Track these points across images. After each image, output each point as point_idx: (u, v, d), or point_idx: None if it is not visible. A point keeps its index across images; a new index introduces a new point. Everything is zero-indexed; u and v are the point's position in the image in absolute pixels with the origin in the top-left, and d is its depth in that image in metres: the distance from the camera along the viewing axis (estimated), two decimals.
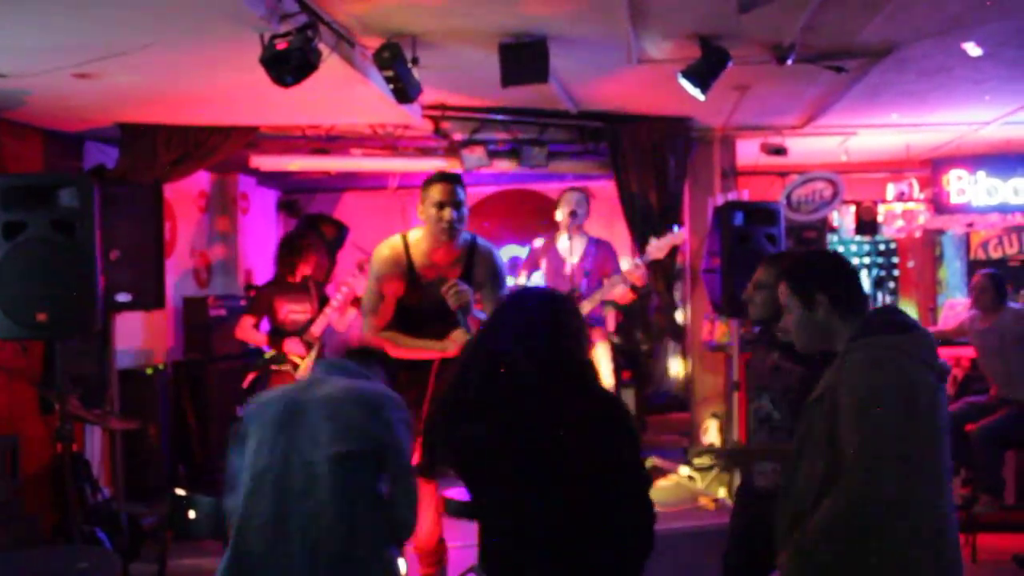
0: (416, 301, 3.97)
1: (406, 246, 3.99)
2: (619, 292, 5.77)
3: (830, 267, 2.62)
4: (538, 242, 6.13)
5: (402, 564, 4.10)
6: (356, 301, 6.44)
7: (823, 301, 2.51)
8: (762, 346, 3.55)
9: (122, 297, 4.86)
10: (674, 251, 6.01)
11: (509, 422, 2.34)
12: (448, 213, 3.86)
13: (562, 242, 5.93)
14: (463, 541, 4.33)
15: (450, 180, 3.96)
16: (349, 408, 2.82)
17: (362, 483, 2.78)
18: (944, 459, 2.39)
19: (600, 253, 5.90)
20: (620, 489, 2.34)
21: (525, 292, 2.71)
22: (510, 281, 4.56)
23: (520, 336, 2.43)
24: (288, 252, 6.35)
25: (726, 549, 3.56)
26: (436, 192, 3.89)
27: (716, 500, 5.08)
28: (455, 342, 3.89)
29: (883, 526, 2.30)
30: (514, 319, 2.51)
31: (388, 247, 4.03)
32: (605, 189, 6.82)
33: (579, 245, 5.89)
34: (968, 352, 6.49)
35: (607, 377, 5.83)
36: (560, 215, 5.91)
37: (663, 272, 6.27)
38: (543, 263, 6.04)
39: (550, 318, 2.47)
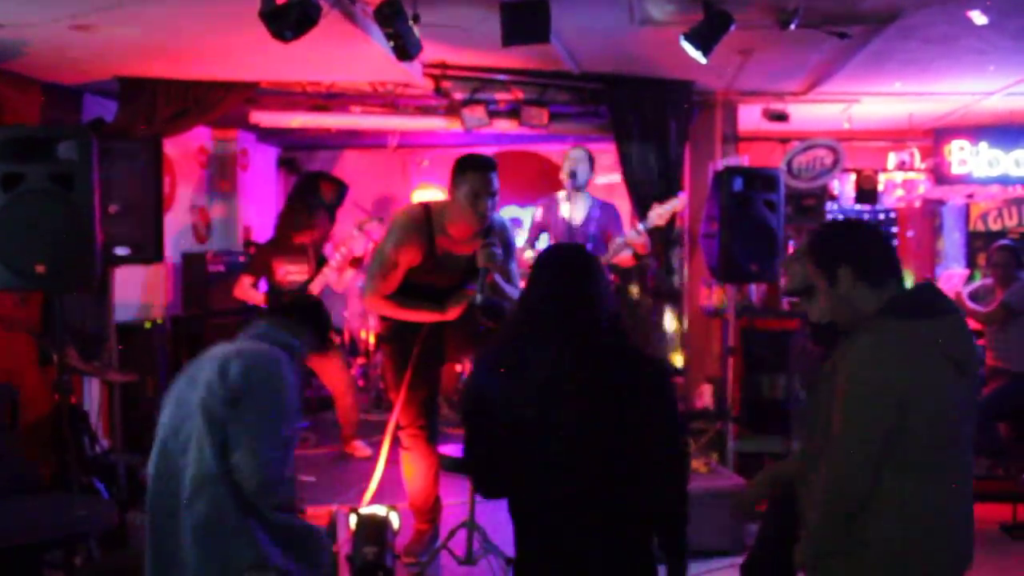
0: (427, 273, 3.94)
1: (428, 217, 3.90)
2: (623, 258, 5.72)
3: (852, 237, 2.51)
4: (538, 213, 5.96)
5: (395, 518, 4.17)
6: (355, 262, 6.46)
7: (845, 274, 2.41)
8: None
9: (121, 251, 4.86)
10: (673, 216, 5.98)
11: (548, 383, 2.38)
12: (484, 205, 3.78)
13: (563, 204, 5.79)
14: (456, 498, 4.39)
15: (488, 168, 3.81)
16: (209, 370, 2.88)
17: (220, 449, 2.81)
18: (948, 457, 2.34)
19: (604, 215, 5.76)
20: (653, 442, 2.41)
21: (549, 254, 2.71)
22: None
23: (551, 296, 2.52)
24: (289, 224, 6.33)
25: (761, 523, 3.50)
26: (475, 182, 3.76)
27: (708, 464, 5.14)
28: (454, 307, 3.91)
29: (863, 518, 2.31)
30: (542, 278, 2.59)
31: (410, 216, 3.93)
32: (606, 151, 6.79)
33: (582, 207, 5.75)
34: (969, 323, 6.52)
35: None
36: (563, 175, 5.78)
37: (661, 236, 6.27)
38: (549, 231, 5.93)
39: (581, 276, 2.54)
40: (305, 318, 3.28)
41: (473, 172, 3.79)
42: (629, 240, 5.57)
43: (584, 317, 2.47)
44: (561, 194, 5.82)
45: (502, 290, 3.93)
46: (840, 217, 9.33)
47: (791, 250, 8.26)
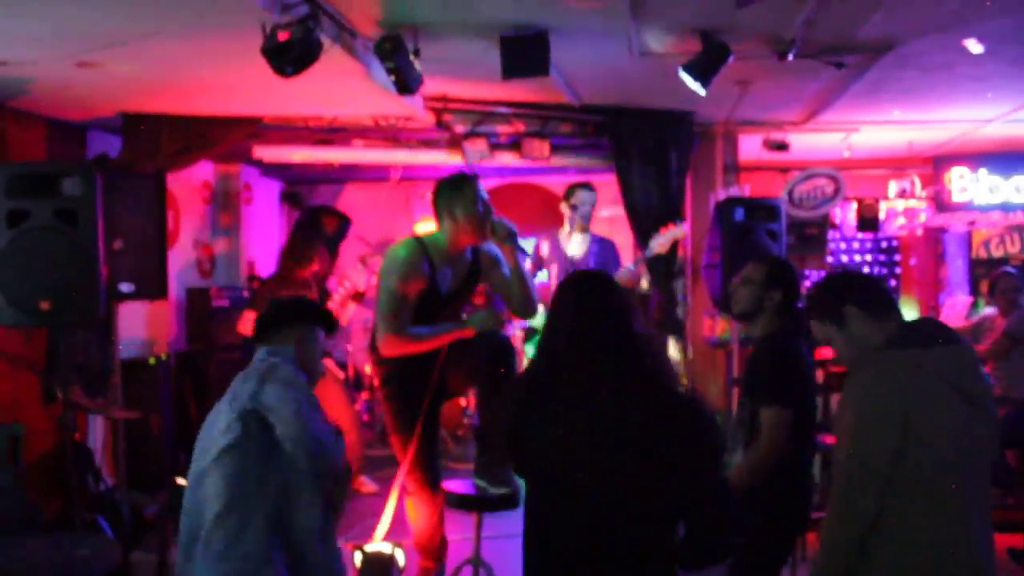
0: (431, 303, 3.94)
1: (423, 246, 3.91)
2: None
3: (849, 279, 2.68)
4: (541, 248, 6.01)
5: (400, 556, 4.14)
6: (357, 296, 6.46)
7: (852, 312, 2.49)
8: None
9: (125, 287, 4.87)
10: (675, 245, 6.00)
11: (574, 418, 2.33)
12: (489, 211, 3.88)
13: (564, 239, 5.88)
14: (461, 534, 4.35)
15: (476, 179, 3.95)
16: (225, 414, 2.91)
17: (240, 479, 2.82)
18: (958, 487, 2.32)
19: (603, 251, 5.85)
20: (689, 492, 2.34)
21: (575, 282, 2.62)
22: None
23: (579, 330, 2.43)
24: (291, 258, 6.36)
25: None
26: (469, 191, 3.86)
27: None
28: (474, 325, 3.89)
29: (868, 548, 2.30)
30: (570, 313, 2.49)
31: (406, 248, 3.90)
32: (606, 183, 6.82)
33: (583, 243, 5.84)
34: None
35: None
36: (566, 209, 5.85)
37: (664, 267, 6.28)
38: (552, 266, 5.98)
39: (617, 309, 2.46)
40: (299, 316, 3.18)
41: (470, 182, 3.91)
42: (619, 278, 5.58)
43: (625, 355, 2.38)
44: (563, 230, 5.87)
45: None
46: (842, 246, 9.36)
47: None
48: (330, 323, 3.27)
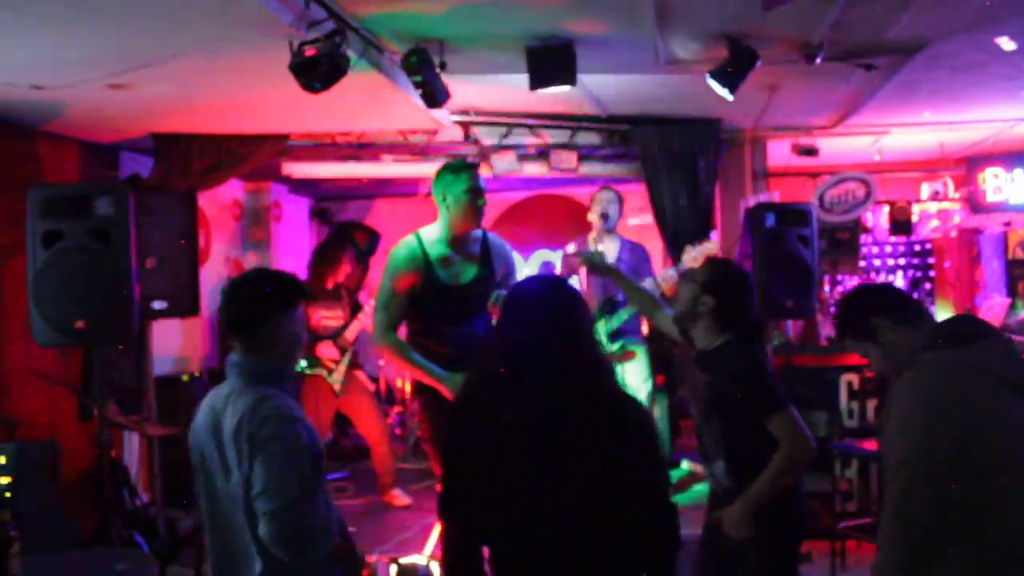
0: (430, 297, 3.96)
1: (420, 243, 3.99)
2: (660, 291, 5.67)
3: (867, 293, 2.70)
4: (570, 248, 6.00)
5: (435, 568, 4.13)
6: None
7: (881, 323, 2.51)
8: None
9: (158, 304, 4.92)
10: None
11: (517, 427, 2.23)
12: (481, 200, 3.93)
13: (593, 245, 5.76)
14: None
15: (476, 168, 4.02)
16: (233, 438, 2.54)
17: (246, 520, 2.55)
18: (1018, 475, 2.26)
19: (634, 256, 5.76)
20: (636, 492, 2.25)
21: (527, 287, 2.50)
22: None
23: (529, 337, 2.31)
24: (320, 262, 6.43)
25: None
26: (469, 179, 3.92)
27: None
28: (449, 385, 3.77)
29: (941, 551, 2.23)
30: (520, 319, 2.38)
31: (403, 246, 4.03)
32: (636, 192, 6.80)
33: (612, 248, 5.74)
34: None
35: (643, 383, 5.75)
36: (592, 216, 5.80)
37: None
38: (581, 271, 5.92)
39: (556, 315, 2.34)
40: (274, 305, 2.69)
41: (465, 171, 3.95)
42: (660, 280, 5.53)
43: (566, 361, 2.27)
44: (591, 236, 5.82)
45: None
46: (875, 250, 9.26)
47: (826, 285, 8.20)
48: (302, 291, 2.77)
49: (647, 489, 2.29)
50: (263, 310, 2.64)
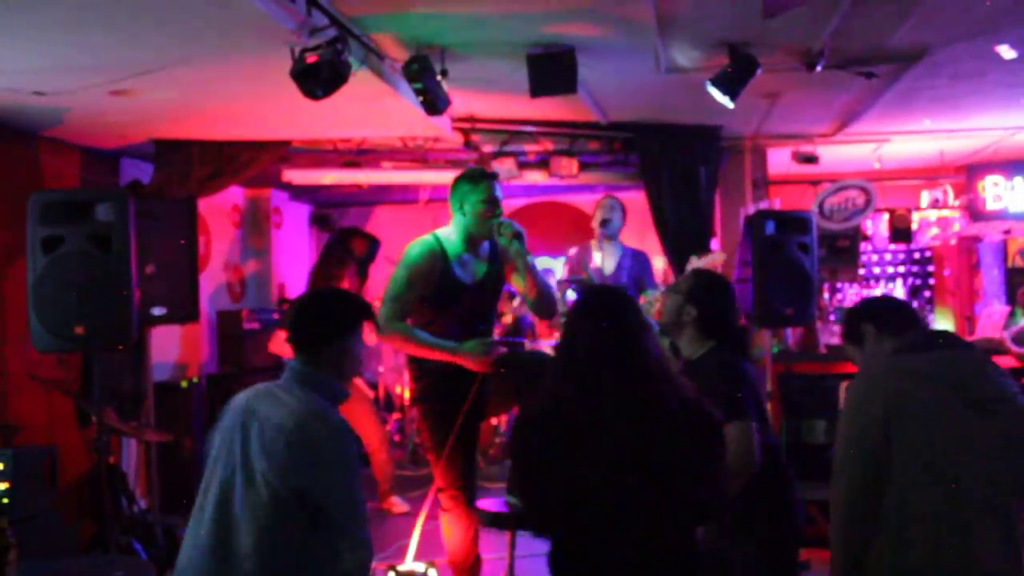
0: (447, 294, 3.97)
1: (439, 242, 4.00)
2: (655, 310, 5.66)
3: (867, 301, 2.90)
4: (572, 250, 5.98)
5: (434, 574, 4.12)
6: None
7: (868, 330, 2.66)
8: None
9: (157, 310, 4.91)
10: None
11: (588, 436, 2.34)
12: (498, 210, 3.94)
13: (595, 252, 5.78)
14: (495, 552, 4.32)
15: (494, 178, 4.02)
16: (284, 444, 2.50)
17: (289, 531, 2.50)
18: (954, 487, 2.34)
19: (636, 264, 5.73)
20: (698, 493, 2.38)
21: (583, 301, 2.64)
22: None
23: (588, 353, 2.43)
24: (322, 277, 6.41)
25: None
26: (486, 189, 3.93)
27: None
28: (471, 355, 3.84)
29: (876, 546, 2.38)
30: (578, 332, 2.50)
31: (421, 243, 4.02)
32: (636, 200, 6.80)
33: (613, 255, 5.73)
34: (1009, 361, 6.37)
35: None
36: (594, 223, 5.76)
37: None
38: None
39: (611, 329, 2.45)
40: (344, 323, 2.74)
41: (484, 180, 3.95)
42: (655, 297, 5.52)
43: (641, 375, 2.39)
44: (593, 243, 5.82)
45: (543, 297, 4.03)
46: (875, 258, 9.26)
47: (825, 292, 8.18)
48: (368, 312, 2.80)
49: (708, 491, 2.40)
50: (332, 331, 2.69)
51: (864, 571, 2.41)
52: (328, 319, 2.71)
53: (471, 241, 4.01)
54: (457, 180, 4.02)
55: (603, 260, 5.72)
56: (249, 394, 2.71)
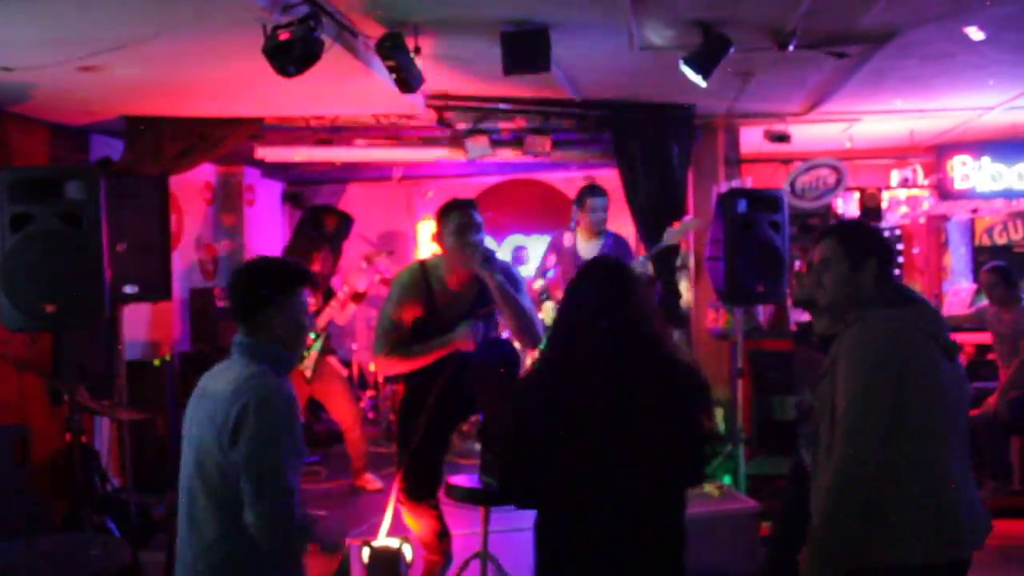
0: (432, 327, 3.98)
1: (424, 272, 4.02)
2: None
3: (882, 237, 2.87)
4: (553, 241, 6.11)
5: (408, 551, 4.15)
6: (357, 297, 6.49)
7: (872, 264, 2.63)
8: (803, 341, 3.61)
9: (129, 289, 4.89)
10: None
11: (579, 403, 2.39)
12: (471, 237, 3.88)
13: (577, 241, 5.96)
14: (469, 528, 4.37)
15: (467, 206, 3.97)
16: (221, 415, 2.52)
17: (231, 503, 2.52)
18: (951, 437, 2.51)
19: (616, 248, 5.91)
20: (687, 455, 2.46)
21: (580, 273, 2.69)
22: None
23: (582, 318, 2.50)
24: (294, 256, 6.39)
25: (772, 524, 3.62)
26: (455, 218, 3.90)
27: (721, 487, 5.11)
28: (461, 335, 3.89)
29: (875, 490, 2.42)
30: (574, 302, 2.58)
31: (408, 273, 4.07)
32: (608, 177, 6.83)
33: (596, 245, 5.92)
34: (974, 338, 6.49)
35: None
36: (578, 214, 5.93)
37: (667, 260, 6.28)
38: (553, 261, 6.04)
39: (607, 296, 2.52)
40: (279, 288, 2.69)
41: (455, 210, 3.93)
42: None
43: (642, 333, 2.49)
44: (577, 233, 5.95)
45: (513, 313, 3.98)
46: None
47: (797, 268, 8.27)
48: (302, 277, 2.77)
49: (696, 452, 2.49)
50: (261, 297, 2.66)
51: (858, 532, 2.44)
52: (258, 287, 2.68)
53: (454, 278, 3.99)
54: (439, 209, 4.02)
55: (586, 248, 5.89)
56: (204, 379, 2.74)
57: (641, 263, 5.71)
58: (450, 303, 4.01)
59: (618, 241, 5.93)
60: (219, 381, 2.63)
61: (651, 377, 2.43)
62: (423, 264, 4.08)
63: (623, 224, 6.69)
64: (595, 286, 2.55)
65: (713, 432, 2.56)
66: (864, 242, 2.69)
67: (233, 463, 2.50)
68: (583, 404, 2.40)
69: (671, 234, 5.67)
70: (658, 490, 2.43)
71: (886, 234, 9.38)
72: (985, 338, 6.34)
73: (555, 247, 6.08)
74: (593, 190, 5.94)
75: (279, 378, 2.63)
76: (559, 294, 5.71)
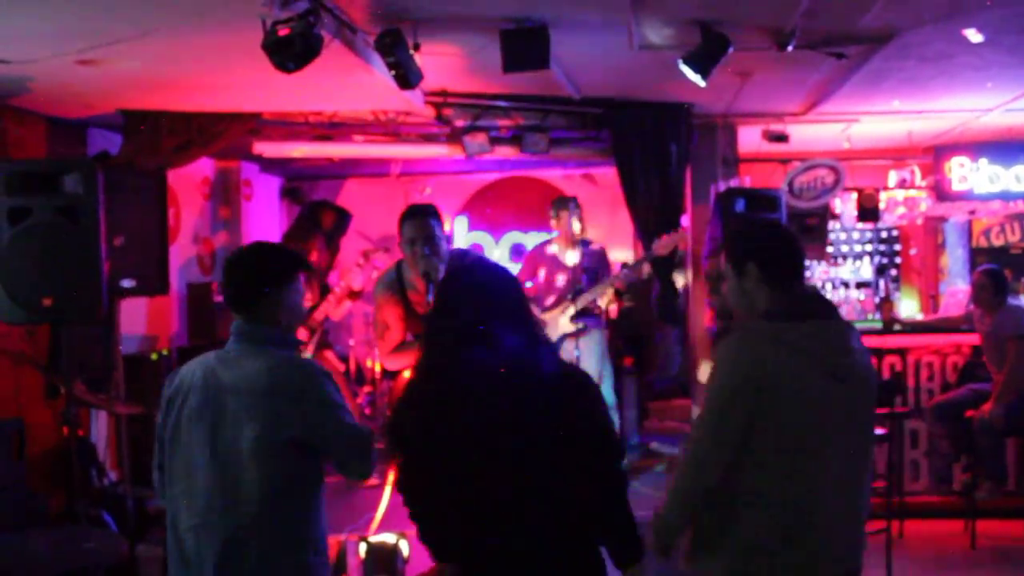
0: (411, 328, 4.00)
1: (399, 272, 4.01)
2: (607, 298, 6.04)
3: (765, 237, 2.62)
4: (549, 249, 6.19)
5: (405, 546, 4.16)
6: (352, 295, 6.50)
7: (752, 270, 2.49)
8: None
9: (127, 283, 4.88)
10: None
11: (461, 408, 2.26)
12: (420, 249, 3.75)
13: (561, 250, 6.09)
14: None
15: (420, 215, 3.83)
16: (268, 403, 2.54)
17: (291, 475, 2.61)
18: (820, 460, 2.36)
19: (594, 260, 6.08)
20: (583, 459, 2.28)
21: (450, 275, 2.53)
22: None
23: (458, 322, 2.34)
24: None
25: None
26: (407, 229, 3.80)
27: None
28: None
29: (730, 514, 2.38)
30: (447, 307, 2.41)
31: (385, 273, 4.08)
32: (607, 175, 6.84)
33: (577, 252, 6.07)
34: (970, 339, 6.50)
35: (599, 363, 5.98)
36: (558, 227, 6.07)
37: (665, 259, 6.29)
38: (541, 271, 6.13)
39: (481, 299, 2.37)
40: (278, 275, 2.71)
41: (407, 220, 3.83)
42: (612, 278, 5.91)
43: (498, 339, 2.29)
44: (558, 245, 6.11)
45: None
46: (843, 236, 9.36)
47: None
48: (300, 263, 2.79)
49: (593, 454, 2.32)
50: (261, 286, 2.64)
51: (716, 544, 2.41)
52: (255, 273, 2.67)
53: (416, 280, 3.88)
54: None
55: (565, 254, 6.08)
56: (204, 370, 2.63)
57: (624, 274, 5.91)
58: (419, 297, 3.97)
59: (595, 254, 6.10)
60: (240, 372, 2.58)
61: (503, 381, 2.27)
62: (399, 264, 4.03)
63: (621, 222, 6.71)
64: (451, 292, 2.43)
65: (600, 427, 2.35)
66: (740, 247, 2.57)
67: (291, 437, 2.56)
68: (443, 413, 2.29)
69: (657, 246, 5.78)
70: (542, 500, 2.24)
71: (883, 235, 9.45)
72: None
73: (539, 258, 6.19)
74: (564, 202, 6.12)
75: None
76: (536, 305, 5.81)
